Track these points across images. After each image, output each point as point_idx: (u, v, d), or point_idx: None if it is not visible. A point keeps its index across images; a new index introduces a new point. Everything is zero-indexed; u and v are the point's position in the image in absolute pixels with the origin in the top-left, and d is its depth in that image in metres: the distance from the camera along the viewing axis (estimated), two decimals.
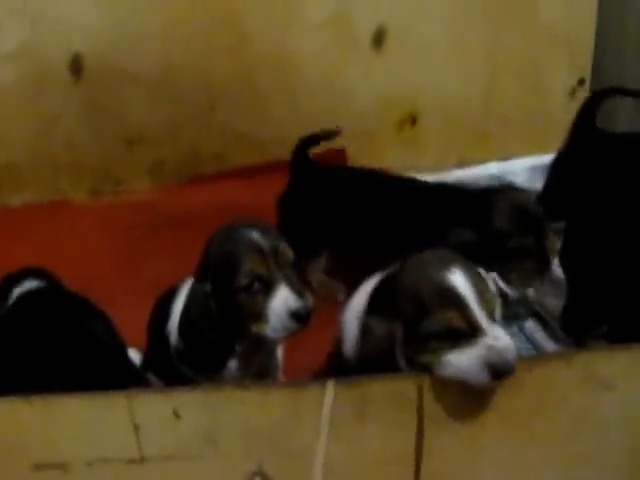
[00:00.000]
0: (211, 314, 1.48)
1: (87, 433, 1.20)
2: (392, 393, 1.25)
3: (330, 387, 1.23)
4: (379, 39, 2.64)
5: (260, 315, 1.43)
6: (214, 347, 1.51)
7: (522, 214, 1.81)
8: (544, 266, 1.82)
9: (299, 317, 1.41)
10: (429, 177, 2.56)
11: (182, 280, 1.66)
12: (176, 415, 1.19)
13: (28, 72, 2.51)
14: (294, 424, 1.24)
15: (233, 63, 2.60)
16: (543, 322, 1.99)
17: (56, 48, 2.49)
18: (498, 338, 1.26)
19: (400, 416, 1.27)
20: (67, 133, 2.59)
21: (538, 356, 1.35)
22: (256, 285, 1.43)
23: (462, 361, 1.26)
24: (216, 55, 2.59)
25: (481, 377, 1.25)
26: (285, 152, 2.66)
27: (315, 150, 2.65)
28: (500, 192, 1.89)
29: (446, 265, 1.32)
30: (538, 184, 2.49)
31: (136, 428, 1.19)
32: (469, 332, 1.26)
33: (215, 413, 1.21)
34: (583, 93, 2.77)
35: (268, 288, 1.43)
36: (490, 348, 1.24)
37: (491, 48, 2.71)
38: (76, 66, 2.52)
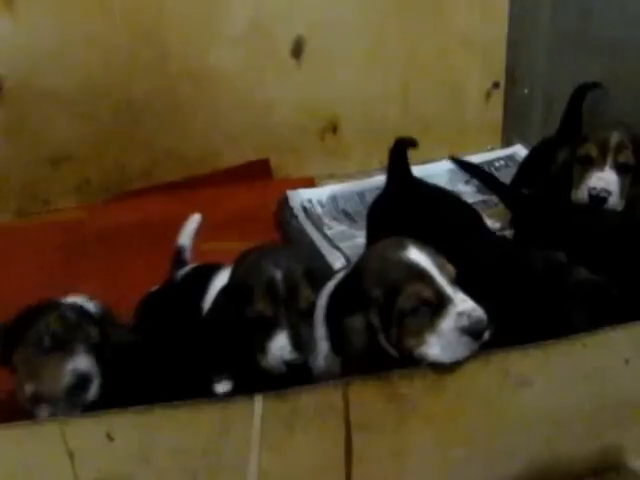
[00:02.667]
0: (228, 325, 1.47)
1: (22, 464, 1.20)
2: (319, 403, 1.29)
3: (259, 400, 1.26)
4: (297, 50, 2.67)
5: (261, 348, 1.43)
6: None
7: None
8: None
9: (291, 367, 1.41)
10: (355, 183, 2.63)
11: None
12: (109, 437, 1.20)
13: None
14: (225, 439, 1.26)
15: (154, 79, 2.60)
16: None
17: None
18: (465, 301, 1.33)
19: (328, 425, 1.30)
20: None
21: None
22: (263, 323, 1.43)
23: (441, 337, 1.31)
24: (137, 71, 2.58)
25: (463, 343, 1.31)
26: (209, 166, 2.69)
27: (238, 161, 2.69)
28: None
29: (402, 246, 1.38)
30: (459, 186, 2.57)
31: (71, 454, 1.19)
32: (438, 302, 1.32)
33: (147, 433, 1.22)
34: (498, 96, 2.88)
35: (271, 329, 1.42)
36: (460, 314, 1.31)
37: (407, 54, 2.77)
38: None
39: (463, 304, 1.32)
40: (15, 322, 1.46)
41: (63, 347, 1.41)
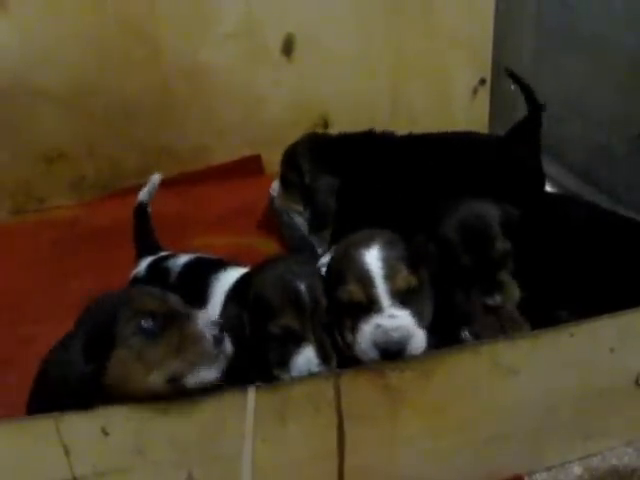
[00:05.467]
0: (244, 339, 1.43)
1: (18, 460, 1.21)
2: (311, 394, 1.31)
3: (251, 393, 1.27)
4: (288, 48, 2.70)
5: (284, 363, 1.41)
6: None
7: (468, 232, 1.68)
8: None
9: None
10: None
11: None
12: (104, 432, 1.22)
13: None
14: (219, 430, 1.28)
15: (148, 77, 2.62)
16: None
17: None
18: (393, 317, 1.34)
19: (321, 416, 1.33)
20: None
21: (446, 349, 1.41)
22: (288, 337, 1.41)
23: (361, 340, 1.36)
24: (130, 69, 2.61)
25: (371, 354, 1.34)
26: (202, 162, 2.71)
27: (231, 158, 2.71)
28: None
29: (365, 245, 1.42)
30: None
31: (66, 450, 1.21)
32: (368, 306, 1.36)
33: (142, 426, 1.24)
34: (485, 92, 2.92)
35: (298, 343, 1.40)
36: (378, 326, 1.34)
37: (395, 52, 2.81)
38: None
39: (388, 319, 1.34)
40: (92, 332, 1.29)
41: (174, 316, 1.29)
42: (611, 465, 1.55)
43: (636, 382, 1.51)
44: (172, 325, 1.27)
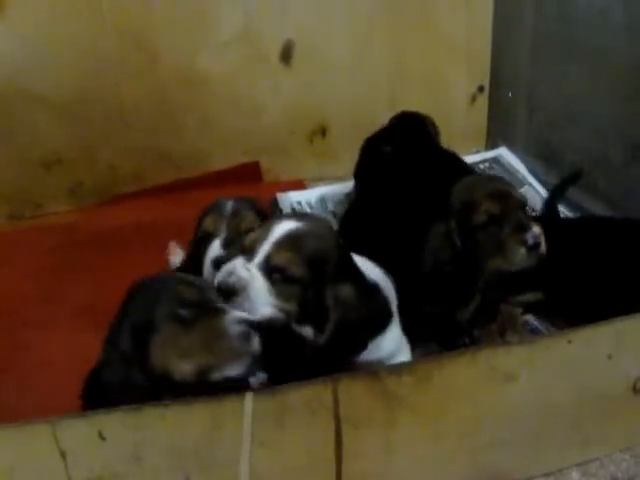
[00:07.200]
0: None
1: (14, 464, 1.21)
2: (309, 399, 1.30)
3: (249, 397, 1.27)
4: (287, 55, 2.70)
5: (201, 265, 1.58)
6: None
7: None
8: None
9: (219, 265, 1.45)
10: (344, 185, 2.65)
11: None
12: (101, 437, 1.21)
13: None
14: (217, 436, 1.27)
15: (145, 83, 2.62)
16: None
17: None
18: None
19: (318, 421, 1.32)
20: None
21: (444, 355, 1.41)
22: (206, 240, 1.61)
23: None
24: (128, 75, 2.60)
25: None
26: (200, 168, 2.71)
27: (228, 164, 2.71)
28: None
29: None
30: None
31: (63, 454, 1.20)
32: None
33: (138, 431, 1.23)
34: (483, 99, 2.93)
35: (210, 241, 1.59)
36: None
37: (394, 59, 2.81)
38: None
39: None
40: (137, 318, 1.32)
41: (207, 308, 1.31)
42: (609, 471, 1.55)
43: (634, 388, 1.51)
44: (204, 317, 1.30)
